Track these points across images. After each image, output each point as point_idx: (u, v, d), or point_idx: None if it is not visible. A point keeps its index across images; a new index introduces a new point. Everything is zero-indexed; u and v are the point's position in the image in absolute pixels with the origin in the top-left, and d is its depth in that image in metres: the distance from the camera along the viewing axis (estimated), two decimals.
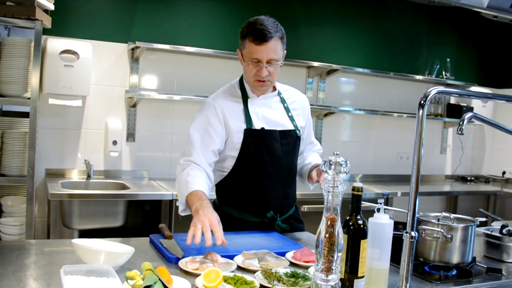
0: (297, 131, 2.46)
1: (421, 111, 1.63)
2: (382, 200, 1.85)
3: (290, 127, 2.44)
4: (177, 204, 2.37)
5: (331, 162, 1.51)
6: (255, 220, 2.40)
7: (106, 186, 3.90)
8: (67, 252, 1.95)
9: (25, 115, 3.44)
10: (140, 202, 3.95)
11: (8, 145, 3.34)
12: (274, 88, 2.49)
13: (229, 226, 2.39)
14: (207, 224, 1.92)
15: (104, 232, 3.62)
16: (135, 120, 4.18)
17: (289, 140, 2.42)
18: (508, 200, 5.25)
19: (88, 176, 3.92)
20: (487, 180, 5.81)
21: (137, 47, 3.98)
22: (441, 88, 1.73)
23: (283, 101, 2.49)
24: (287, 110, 2.47)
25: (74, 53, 3.69)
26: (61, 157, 3.99)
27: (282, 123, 2.42)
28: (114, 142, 3.98)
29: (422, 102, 1.64)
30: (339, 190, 1.51)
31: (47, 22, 3.39)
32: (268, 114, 2.41)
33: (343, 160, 1.52)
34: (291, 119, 2.46)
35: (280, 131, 2.39)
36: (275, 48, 2.24)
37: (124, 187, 3.80)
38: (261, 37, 2.21)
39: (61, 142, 3.98)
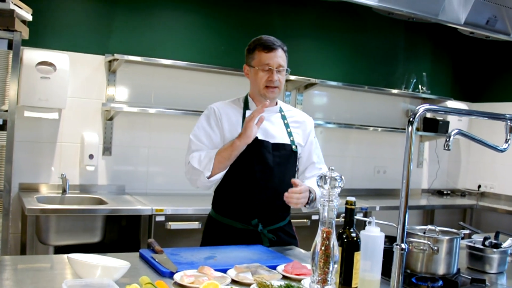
0: (293, 146, 2.60)
1: (410, 128, 1.76)
2: (361, 215, 1.98)
3: (286, 141, 2.60)
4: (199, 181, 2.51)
5: (326, 177, 1.63)
6: (241, 227, 2.52)
7: (82, 201, 3.93)
8: (55, 268, 2.04)
9: (1, 127, 3.46)
10: (117, 218, 3.99)
11: None
12: (276, 103, 2.67)
13: (217, 233, 2.57)
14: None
15: (80, 248, 3.64)
16: (111, 133, 4.23)
17: (282, 153, 2.56)
18: (484, 213, 5.46)
19: (64, 191, 3.95)
20: (463, 193, 6.03)
21: (115, 60, 4.05)
22: (428, 106, 1.86)
23: (283, 117, 2.66)
24: (287, 126, 2.64)
25: (51, 64, 3.73)
26: (36, 171, 4.00)
27: (278, 136, 2.58)
28: (91, 156, 4.02)
29: (411, 119, 1.76)
30: (334, 204, 1.62)
31: (25, 33, 3.44)
32: (265, 126, 2.55)
33: (338, 175, 1.63)
34: (289, 134, 2.62)
35: (273, 143, 2.55)
36: (283, 56, 2.55)
37: (101, 202, 3.85)
38: (270, 46, 2.52)
39: (35, 156, 4.00)
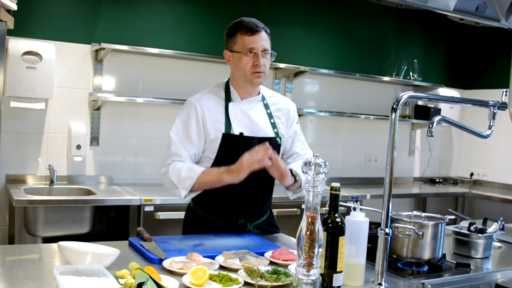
0: (278, 138, 2.55)
1: (393, 114, 1.85)
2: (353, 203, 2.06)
3: (271, 134, 2.53)
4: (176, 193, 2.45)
5: (311, 163, 1.71)
6: (226, 223, 2.56)
7: (70, 191, 4.00)
8: (44, 257, 2.11)
9: None
10: (105, 208, 4.05)
11: None
12: (258, 92, 2.59)
13: (201, 228, 2.57)
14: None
15: (69, 239, 3.70)
16: (99, 123, 4.29)
17: None
18: (476, 201, 5.57)
19: (51, 182, 4.01)
20: (455, 181, 6.15)
21: (102, 49, 4.09)
22: (412, 93, 1.95)
23: (266, 107, 2.58)
24: (270, 116, 2.56)
25: (36, 54, 3.78)
26: (22, 163, 4.06)
27: (262, 130, 2.52)
28: (78, 147, 4.08)
29: (394, 106, 1.86)
30: (318, 189, 1.71)
31: (10, 22, 3.48)
32: (249, 119, 2.50)
33: (322, 162, 1.71)
34: (273, 125, 2.55)
35: (259, 138, 2.47)
36: (267, 39, 2.45)
37: (89, 192, 3.92)
38: (253, 28, 2.42)
39: (22, 147, 4.06)
